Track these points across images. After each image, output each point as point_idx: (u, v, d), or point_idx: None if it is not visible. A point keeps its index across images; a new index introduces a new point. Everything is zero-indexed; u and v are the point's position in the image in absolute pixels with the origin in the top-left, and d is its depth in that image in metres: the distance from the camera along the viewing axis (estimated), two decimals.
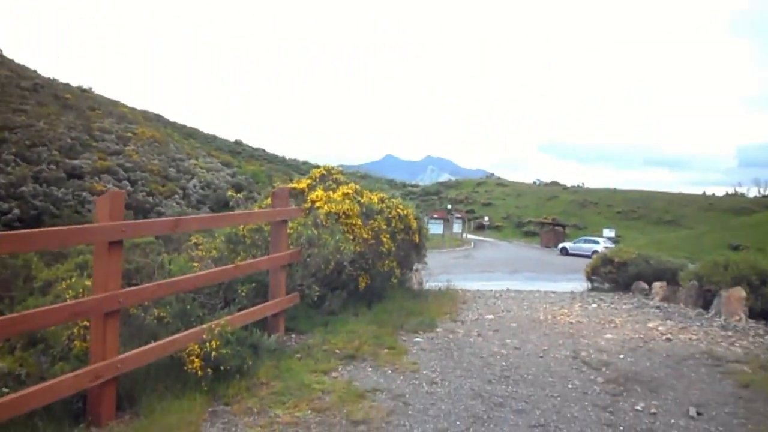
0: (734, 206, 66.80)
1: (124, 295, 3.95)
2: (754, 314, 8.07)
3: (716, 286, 8.81)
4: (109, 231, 3.82)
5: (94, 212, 4.00)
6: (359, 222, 7.34)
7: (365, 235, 7.31)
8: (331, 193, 7.88)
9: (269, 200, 6.89)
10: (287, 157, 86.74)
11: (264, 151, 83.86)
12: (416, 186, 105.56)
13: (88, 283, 4.41)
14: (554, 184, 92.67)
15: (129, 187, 36.11)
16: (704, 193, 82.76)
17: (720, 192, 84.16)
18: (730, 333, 7.14)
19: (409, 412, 4.28)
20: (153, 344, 4.25)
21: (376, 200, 7.93)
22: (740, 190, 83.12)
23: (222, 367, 4.45)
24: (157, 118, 67.19)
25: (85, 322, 4.19)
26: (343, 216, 7.27)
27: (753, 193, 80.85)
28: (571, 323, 7.58)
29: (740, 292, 8.25)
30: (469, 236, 54.77)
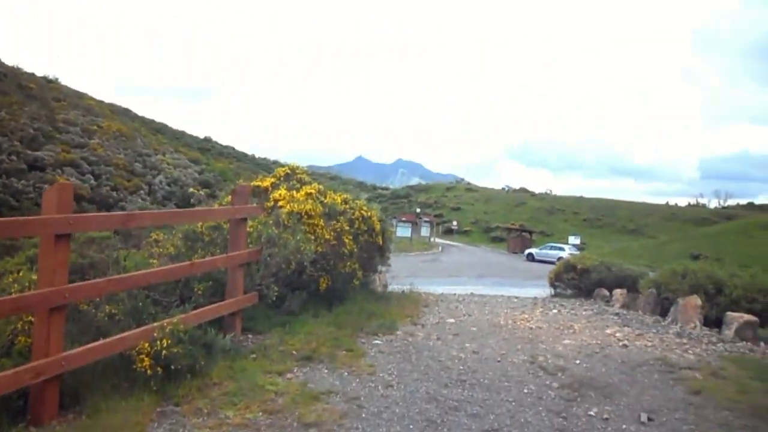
0: (696, 217, 68.48)
1: (70, 290, 3.83)
2: (708, 322, 8.23)
3: (674, 294, 8.98)
4: (55, 224, 3.70)
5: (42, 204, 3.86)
6: (321, 222, 7.27)
7: (327, 236, 7.24)
8: (294, 192, 7.79)
9: (230, 198, 6.79)
10: (257, 155, 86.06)
11: (233, 149, 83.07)
12: (386, 189, 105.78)
13: (36, 277, 4.27)
14: (523, 190, 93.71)
15: (93, 181, 35.39)
16: (667, 203, 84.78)
17: (682, 202, 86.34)
18: (684, 340, 7.26)
19: (363, 415, 4.24)
20: (101, 342, 4.13)
21: (339, 201, 7.87)
22: (702, 201, 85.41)
23: (173, 367, 4.34)
24: (125, 112, 65.95)
25: (30, 318, 4.05)
26: (305, 216, 7.19)
27: (714, 204, 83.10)
28: (531, 328, 7.63)
29: (696, 300, 8.41)
30: (437, 240, 54.98)
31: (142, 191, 38.26)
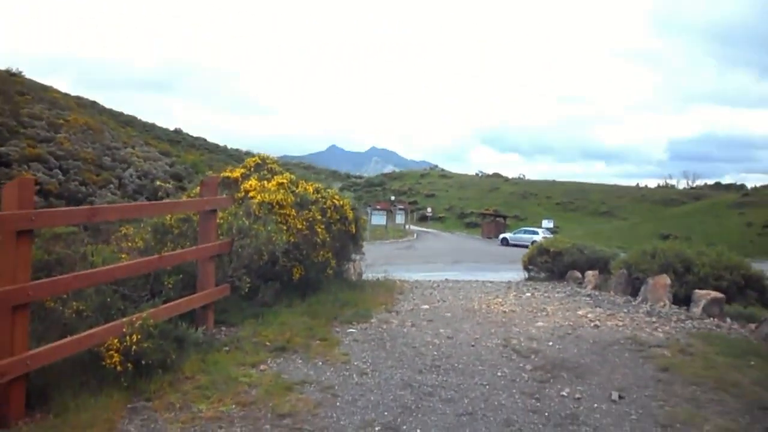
0: (665, 198, 69.67)
1: (34, 287, 3.74)
2: (677, 300, 8.39)
3: (644, 274, 9.13)
4: (16, 219, 3.60)
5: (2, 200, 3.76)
6: (293, 212, 7.22)
7: (299, 226, 7.20)
8: (265, 182, 7.73)
9: (198, 189, 6.69)
10: (229, 146, 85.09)
11: (205, 140, 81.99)
12: (360, 177, 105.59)
13: None
14: (496, 175, 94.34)
15: (60, 176, 34.68)
16: (638, 185, 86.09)
17: (652, 184, 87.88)
18: (654, 319, 7.39)
19: (337, 403, 4.23)
20: (68, 339, 4.04)
21: (311, 190, 7.83)
22: (671, 182, 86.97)
23: (143, 362, 4.28)
24: (92, 105, 64.62)
25: None
26: (277, 206, 7.14)
27: (682, 185, 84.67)
28: (505, 312, 7.69)
29: (665, 279, 8.56)
30: (412, 227, 55.09)
31: (111, 185, 37.60)
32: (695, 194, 71.17)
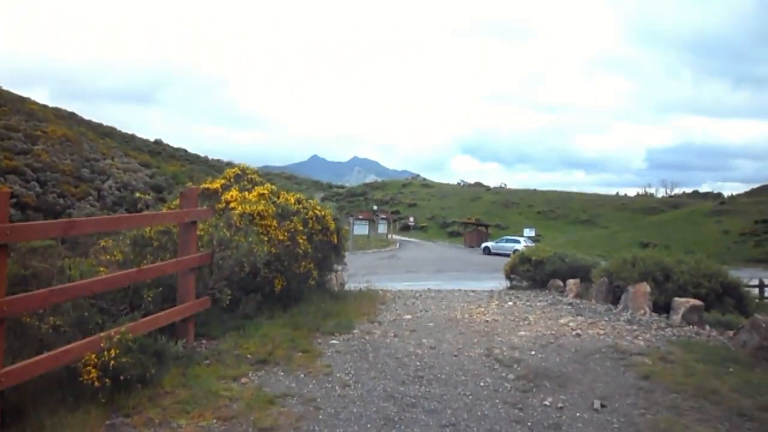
0: (644, 206, 70.57)
1: (9, 302, 3.66)
2: (657, 308, 8.45)
3: (624, 282, 9.20)
4: None
5: None
6: (274, 223, 7.18)
7: (281, 237, 7.16)
8: (246, 193, 7.69)
9: (178, 201, 6.64)
10: (210, 157, 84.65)
11: (186, 151, 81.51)
12: (342, 187, 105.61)
13: None
14: (478, 185, 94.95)
15: (38, 188, 34.26)
16: (618, 193, 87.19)
17: (632, 192, 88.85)
18: (635, 327, 7.44)
19: (320, 416, 4.20)
20: (44, 355, 3.96)
21: (292, 201, 7.79)
22: (650, 190, 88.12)
23: (122, 377, 4.21)
24: (71, 116, 63.97)
25: None
26: (258, 217, 7.09)
27: (661, 193, 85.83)
28: (487, 321, 7.70)
29: (645, 287, 8.63)
30: (395, 237, 55.19)
31: (90, 197, 37.22)
32: (674, 202, 72.21)
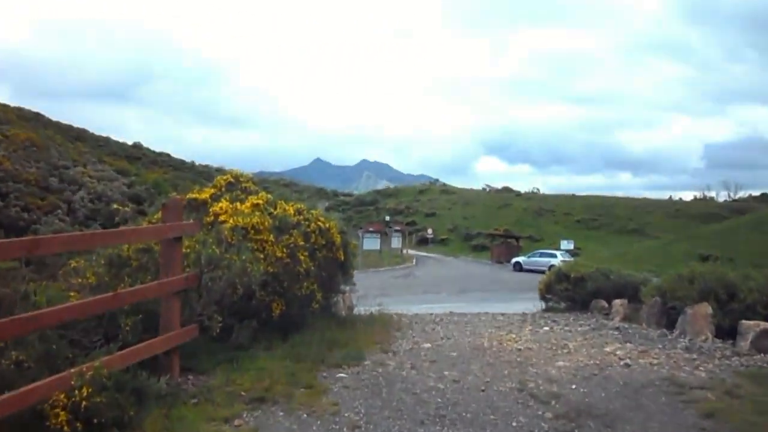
0: (703, 212, 70.04)
1: None
2: (721, 333, 8.36)
3: (681, 302, 9.11)
4: None
5: None
6: (271, 238, 7.21)
7: (279, 253, 7.18)
8: (238, 204, 7.72)
9: (160, 214, 6.68)
10: (197, 162, 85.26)
11: (169, 156, 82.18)
12: (350, 195, 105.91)
13: None
14: (506, 190, 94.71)
15: None
16: (671, 198, 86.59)
17: (688, 196, 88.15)
18: (694, 355, 7.37)
19: None
20: (4, 396, 3.97)
21: (292, 212, 7.82)
22: (709, 194, 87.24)
23: (95, 420, 4.21)
24: (36, 117, 64.75)
25: None
26: (252, 231, 7.12)
27: (723, 197, 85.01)
28: (519, 350, 7.67)
29: (706, 308, 8.55)
30: (411, 252, 55.20)
31: (59, 211, 37.55)
32: (738, 207, 71.57)
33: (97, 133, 76.11)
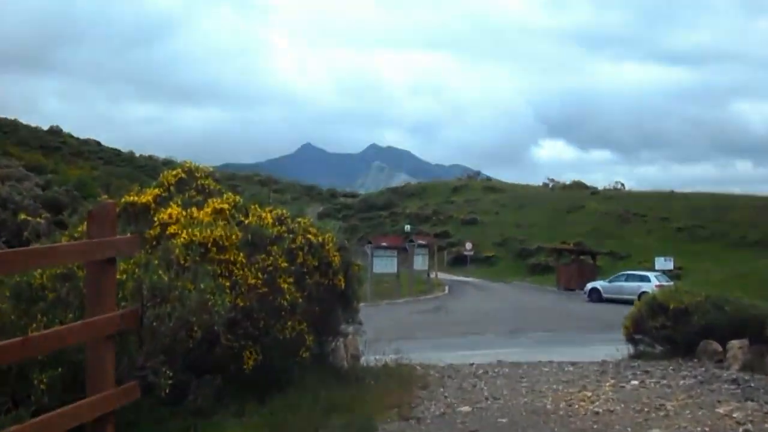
0: None
1: None
2: None
3: None
4: None
5: None
6: (241, 258, 7.26)
7: (252, 280, 7.22)
8: (194, 210, 7.77)
9: (85, 226, 6.73)
10: (138, 153, 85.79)
11: (98, 144, 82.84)
12: (354, 195, 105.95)
13: None
14: (577, 186, 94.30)
15: None
16: None
17: None
18: None
19: None
20: None
21: (270, 221, 7.86)
22: None
23: None
24: None
25: None
26: (214, 248, 7.17)
27: None
28: (597, 414, 7.66)
29: None
30: (442, 276, 55.04)
31: None
32: None
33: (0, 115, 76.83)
